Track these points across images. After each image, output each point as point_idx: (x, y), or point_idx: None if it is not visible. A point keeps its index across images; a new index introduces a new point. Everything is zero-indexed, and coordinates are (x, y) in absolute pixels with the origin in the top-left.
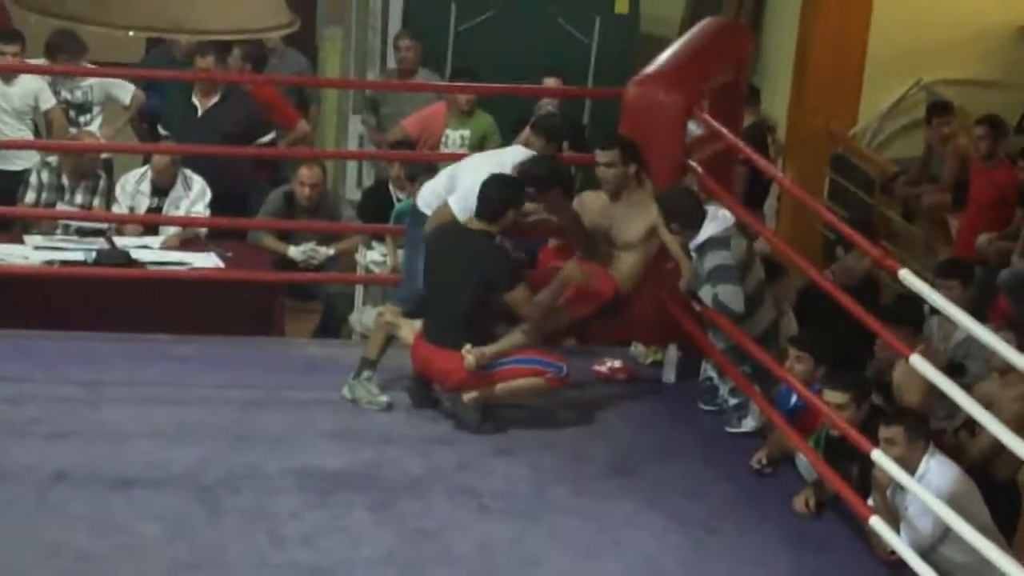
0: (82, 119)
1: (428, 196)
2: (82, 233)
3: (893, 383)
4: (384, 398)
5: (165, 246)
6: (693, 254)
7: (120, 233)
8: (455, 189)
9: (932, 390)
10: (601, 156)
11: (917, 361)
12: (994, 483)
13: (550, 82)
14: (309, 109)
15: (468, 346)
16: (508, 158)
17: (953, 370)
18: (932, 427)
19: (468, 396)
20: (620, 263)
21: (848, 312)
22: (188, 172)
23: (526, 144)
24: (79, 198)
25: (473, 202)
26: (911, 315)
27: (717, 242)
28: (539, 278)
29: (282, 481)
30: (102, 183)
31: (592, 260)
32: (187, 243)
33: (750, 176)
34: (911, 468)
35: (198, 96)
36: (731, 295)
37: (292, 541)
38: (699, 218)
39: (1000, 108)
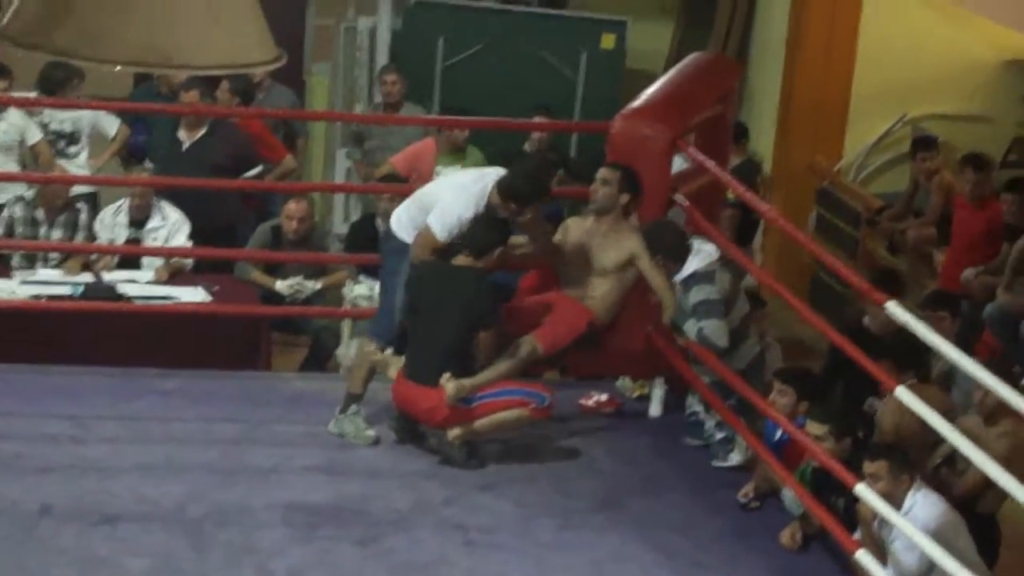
0: (71, 150)
1: (404, 221)
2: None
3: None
4: (371, 432)
5: (155, 280)
6: (678, 287)
7: (100, 267)
8: (431, 209)
9: (907, 425)
10: (603, 171)
11: (903, 393)
12: (973, 516)
13: (540, 119)
14: (296, 143)
15: (447, 375)
16: (488, 176)
17: None
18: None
19: (453, 433)
20: (593, 289)
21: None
22: (163, 202)
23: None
24: (57, 233)
25: (455, 221)
26: (904, 352)
27: (702, 276)
28: (518, 309)
29: (269, 516)
30: (82, 217)
31: (566, 286)
32: (174, 277)
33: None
34: (896, 502)
35: (184, 130)
36: (716, 330)
37: None
38: (684, 252)
39: (985, 142)
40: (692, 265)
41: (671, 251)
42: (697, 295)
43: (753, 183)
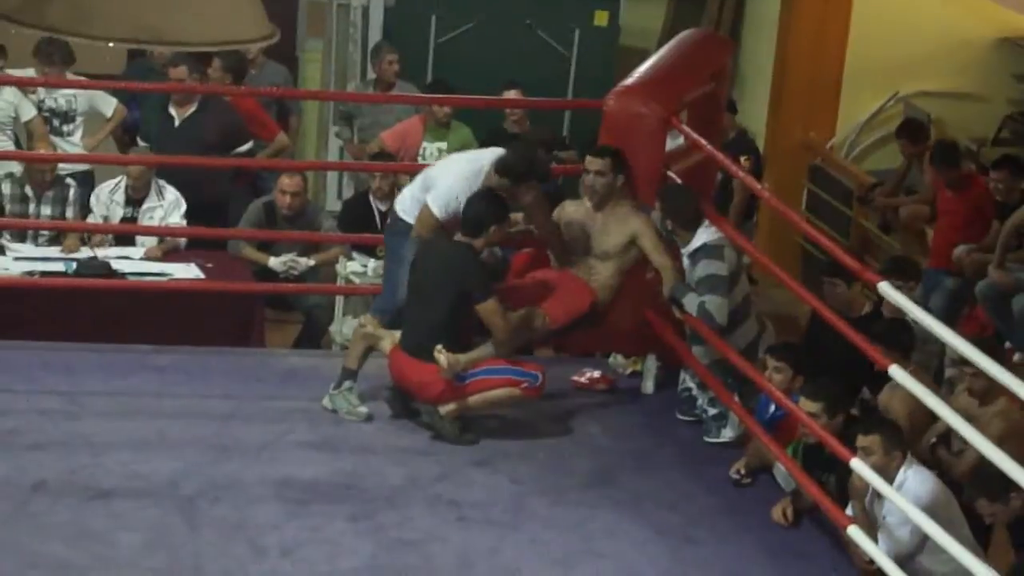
0: (65, 128)
1: (408, 202)
2: (55, 243)
3: (879, 406)
4: (364, 409)
5: (146, 257)
6: (686, 260)
7: (95, 243)
8: (431, 189)
9: (917, 411)
10: (592, 163)
11: (896, 372)
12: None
13: (511, 94)
14: (289, 120)
15: (440, 347)
16: (486, 157)
17: None
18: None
19: (445, 409)
20: (596, 273)
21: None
22: (161, 182)
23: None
24: (47, 209)
25: (452, 201)
26: (901, 338)
27: (710, 250)
28: (514, 286)
29: (262, 491)
30: (72, 193)
31: (568, 268)
32: (167, 254)
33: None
34: (888, 477)
35: (174, 107)
36: (717, 306)
37: (272, 552)
38: (696, 219)
39: (977, 120)
40: (702, 237)
41: (683, 216)
42: (705, 269)
43: (754, 155)
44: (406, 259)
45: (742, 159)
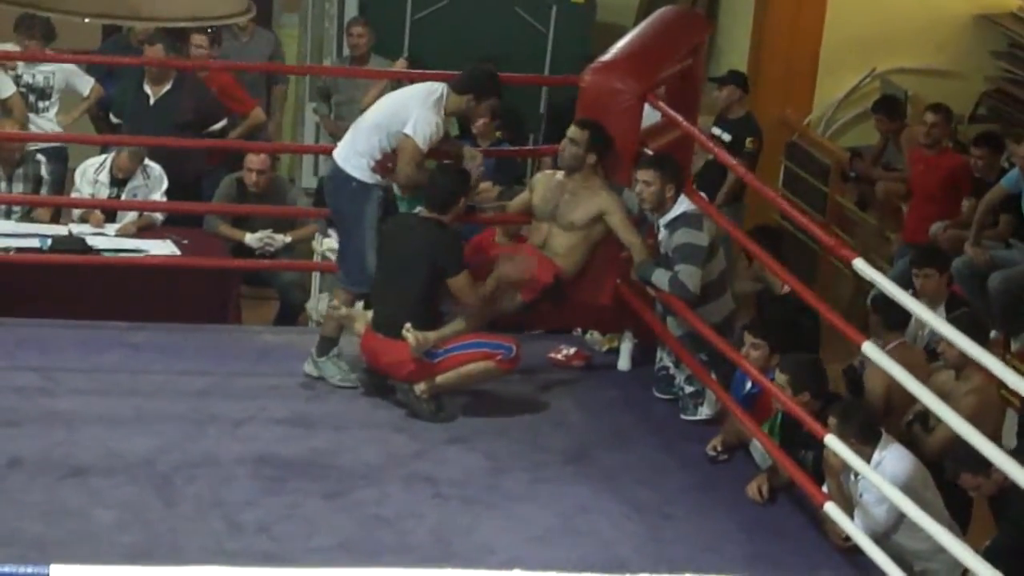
0: (41, 104)
1: (361, 149)
2: (28, 220)
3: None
4: (355, 375)
5: (120, 233)
6: (664, 230)
7: (81, 220)
8: (391, 127)
9: (897, 386)
10: (571, 130)
11: (869, 348)
12: (944, 476)
13: None
14: (273, 90)
15: (408, 325)
16: (433, 85)
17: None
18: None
19: (420, 387)
20: (557, 242)
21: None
22: (147, 161)
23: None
24: (19, 187)
25: (432, 129)
26: (892, 313)
27: (690, 219)
28: (478, 261)
29: (238, 468)
30: (44, 170)
31: (533, 240)
32: (144, 230)
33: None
34: (865, 457)
35: (150, 84)
36: (689, 276)
37: (248, 528)
38: (680, 172)
39: (954, 97)
40: (682, 206)
41: (668, 168)
42: (682, 237)
43: (759, 137)
44: (368, 219)
45: (748, 140)
